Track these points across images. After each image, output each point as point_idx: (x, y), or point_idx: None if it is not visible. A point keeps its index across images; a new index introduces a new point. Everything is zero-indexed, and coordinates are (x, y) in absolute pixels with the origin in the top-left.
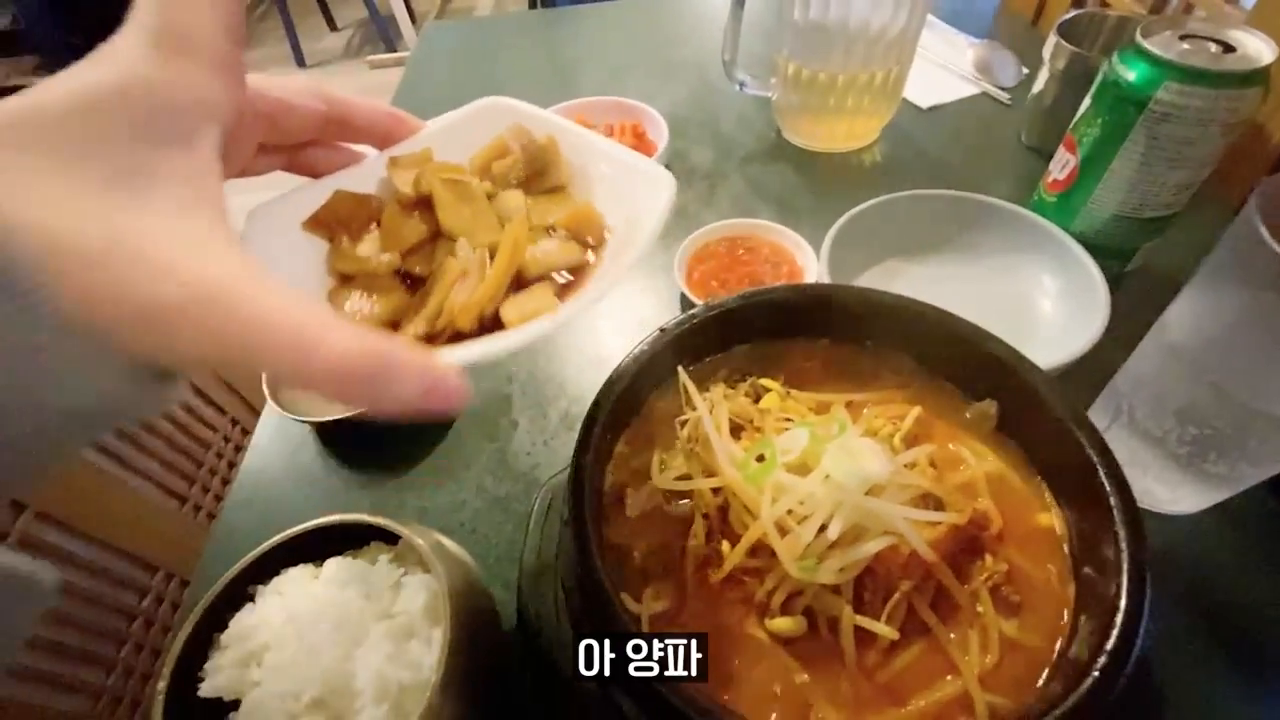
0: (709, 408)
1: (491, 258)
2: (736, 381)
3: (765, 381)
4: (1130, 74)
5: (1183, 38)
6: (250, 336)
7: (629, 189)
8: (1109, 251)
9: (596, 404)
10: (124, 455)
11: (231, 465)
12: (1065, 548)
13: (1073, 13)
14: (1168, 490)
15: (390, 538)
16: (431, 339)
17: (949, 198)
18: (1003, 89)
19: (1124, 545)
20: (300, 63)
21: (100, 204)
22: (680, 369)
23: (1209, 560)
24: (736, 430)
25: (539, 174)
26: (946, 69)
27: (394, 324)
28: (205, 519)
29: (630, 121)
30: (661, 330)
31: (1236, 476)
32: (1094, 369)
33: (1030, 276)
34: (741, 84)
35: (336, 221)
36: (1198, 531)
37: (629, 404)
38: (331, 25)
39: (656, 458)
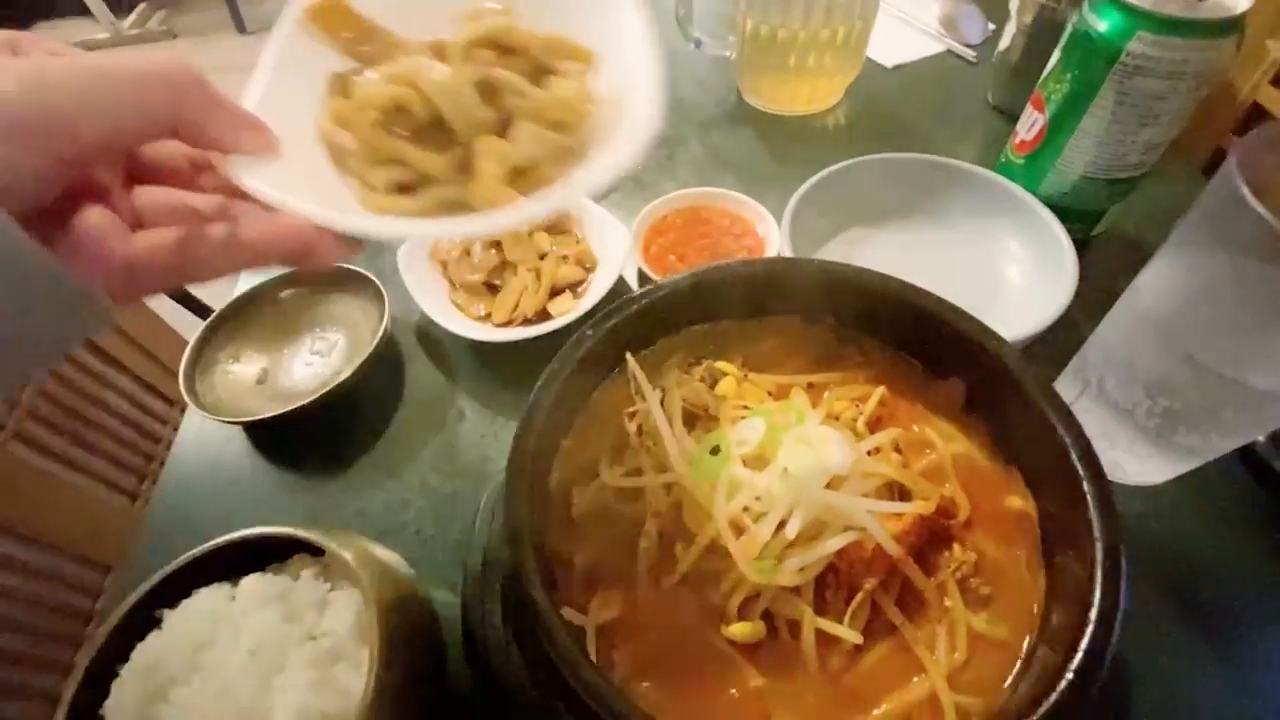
0: (661, 396)
1: (537, 278)
2: (691, 365)
3: (722, 365)
4: (1101, 24)
5: None
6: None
7: (603, 231)
8: (1076, 214)
9: (535, 397)
10: (70, 456)
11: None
12: (1036, 533)
13: None
14: (1136, 462)
15: (317, 549)
16: (508, 323)
17: (914, 161)
18: (969, 46)
19: (1098, 534)
20: (241, 28)
21: None
22: (629, 356)
23: (1179, 531)
24: (692, 419)
25: (557, 222)
26: (911, 25)
27: (486, 315)
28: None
29: None
30: (607, 314)
31: (1207, 448)
32: (1062, 337)
33: (998, 242)
34: (697, 41)
35: (446, 252)
36: (1167, 503)
37: (574, 395)
38: None
39: (606, 453)
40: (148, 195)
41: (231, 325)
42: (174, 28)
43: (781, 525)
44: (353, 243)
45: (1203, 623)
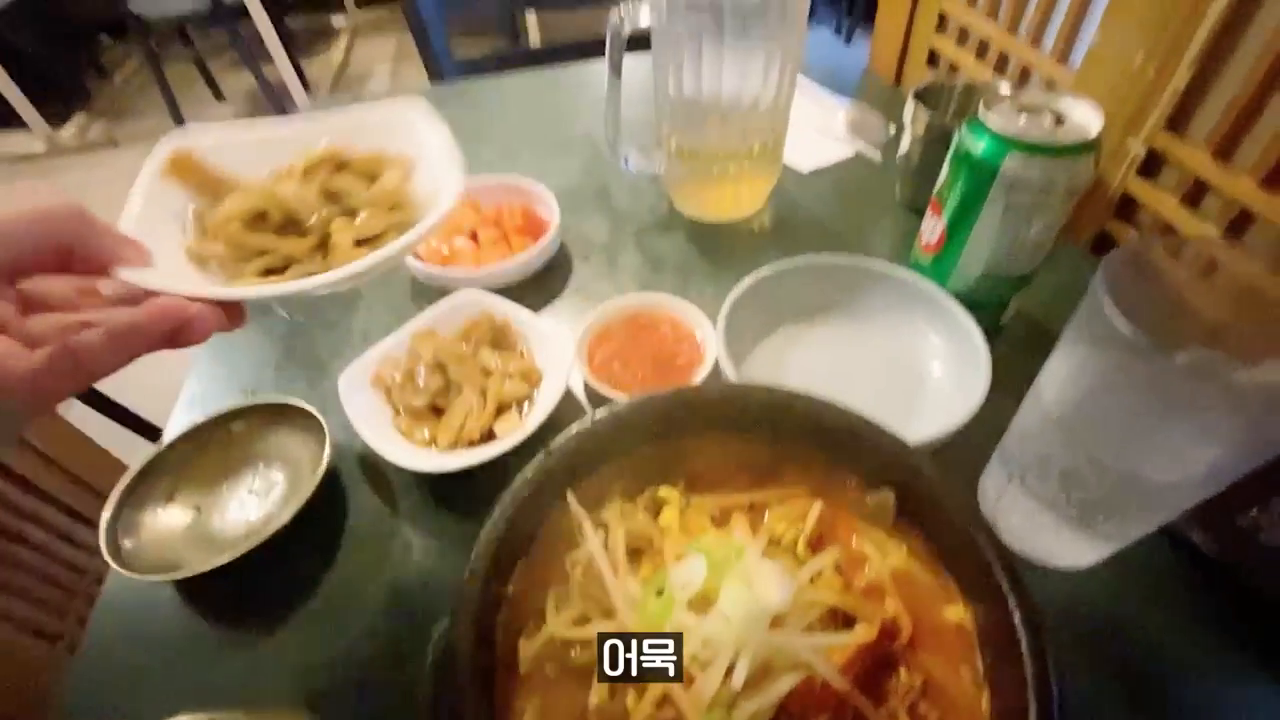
0: (604, 536)
1: (482, 398)
2: (634, 494)
3: (664, 492)
4: (978, 146)
5: (1020, 110)
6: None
7: (547, 345)
8: (984, 306)
9: (476, 553)
10: None
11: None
12: (976, 647)
13: (927, 80)
14: (1067, 549)
15: None
16: (454, 447)
17: (835, 264)
18: (874, 147)
19: (1027, 655)
20: None
21: None
22: (570, 495)
23: (1111, 611)
24: (637, 553)
25: (500, 337)
26: (822, 133)
27: (431, 440)
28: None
29: (520, 203)
30: (547, 451)
31: (1125, 534)
32: (988, 423)
33: (919, 335)
34: (626, 159)
35: (388, 377)
36: (1098, 584)
37: (518, 539)
38: (218, 95)
39: (552, 597)
40: (41, 321)
41: (171, 459)
42: (115, 136)
43: (730, 671)
44: (233, 312)
45: (1138, 698)
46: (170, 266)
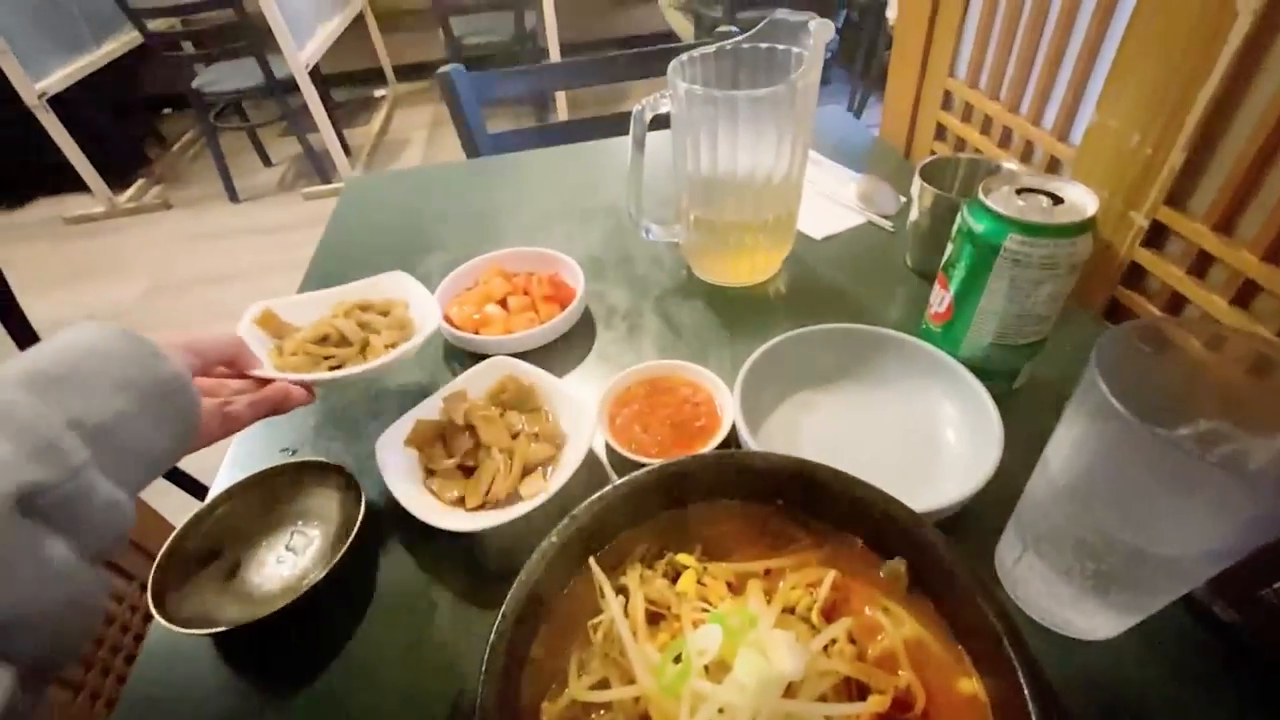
0: (624, 602)
1: (509, 459)
2: (654, 559)
3: (681, 558)
4: (980, 226)
5: (1019, 191)
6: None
7: (571, 408)
8: (995, 374)
9: (504, 615)
10: None
11: (139, 638)
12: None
13: (931, 157)
14: (1084, 619)
15: None
16: (482, 506)
17: (846, 331)
18: (885, 217)
19: None
20: (234, 197)
21: None
22: (593, 561)
23: (1130, 683)
24: (656, 619)
25: (526, 399)
26: (834, 201)
27: (460, 499)
28: (104, 708)
29: (548, 272)
30: (571, 517)
31: (1141, 605)
32: (1002, 490)
33: (933, 402)
34: (647, 230)
35: (422, 438)
36: (1116, 656)
37: (543, 602)
38: (266, 161)
39: (574, 661)
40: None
41: (215, 516)
42: (170, 199)
43: None
44: (309, 392)
45: None
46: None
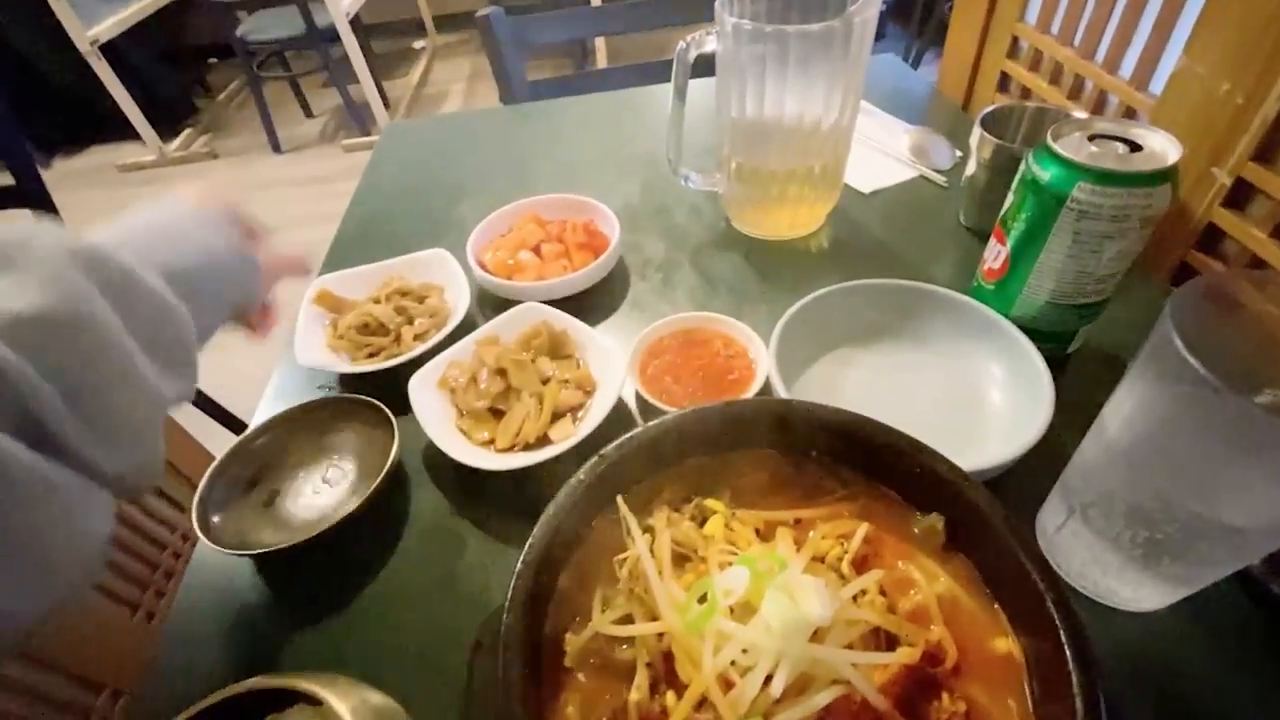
0: (650, 541)
1: (539, 403)
2: (681, 503)
3: (709, 503)
4: (1045, 174)
5: (1092, 138)
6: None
7: (602, 356)
8: (1049, 336)
9: (532, 543)
10: None
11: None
12: (1024, 679)
13: (994, 105)
14: (1130, 589)
15: (316, 699)
16: (512, 448)
17: (892, 287)
18: (939, 172)
19: (1077, 694)
20: (276, 148)
21: None
22: (620, 500)
23: (1176, 659)
24: (681, 560)
25: (558, 346)
26: (885, 154)
27: (490, 441)
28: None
29: (583, 219)
30: (600, 456)
31: (1194, 577)
32: (1048, 455)
33: (979, 364)
34: (687, 179)
35: (454, 380)
36: (1163, 629)
37: (570, 535)
38: (308, 113)
39: (599, 596)
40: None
41: (255, 446)
42: (216, 149)
43: (769, 679)
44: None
45: None
46: (318, 353)
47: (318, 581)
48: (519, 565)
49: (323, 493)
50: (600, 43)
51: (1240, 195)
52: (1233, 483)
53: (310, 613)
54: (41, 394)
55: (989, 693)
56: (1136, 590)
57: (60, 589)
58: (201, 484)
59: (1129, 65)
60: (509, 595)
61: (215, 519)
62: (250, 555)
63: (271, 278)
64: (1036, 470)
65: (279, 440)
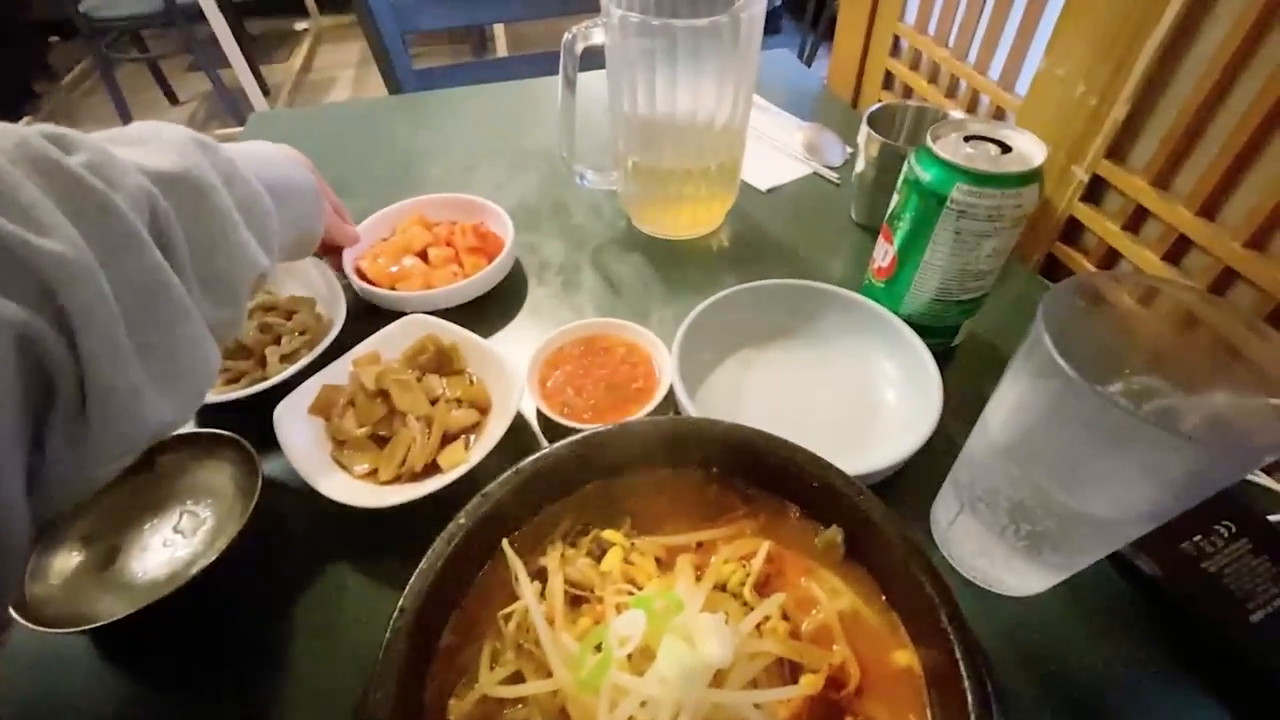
0: (540, 587)
1: (427, 427)
2: (578, 535)
3: (607, 534)
4: (927, 175)
5: (967, 139)
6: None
7: (498, 371)
8: (936, 330)
9: (401, 610)
10: None
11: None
12: (924, 693)
13: (879, 104)
14: (1015, 577)
15: None
16: (397, 479)
17: (789, 287)
18: (831, 169)
19: (971, 700)
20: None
21: None
22: (506, 545)
23: (1058, 637)
24: (578, 602)
25: (447, 362)
26: (780, 151)
27: (373, 472)
28: None
29: (473, 221)
30: (483, 495)
31: (1072, 563)
32: (940, 449)
33: (874, 361)
34: (582, 177)
35: (328, 405)
36: (1045, 611)
37: (450, 588)
38: (172, 100)
39: (486, 652)
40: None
41: (93, 498)
42: None
43: None
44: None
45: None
46: None
47: (172, 655)
48: (387, 634)
49: (175, 544)
50: (500, 30)
51: (1096, 191)
52: (1102, 477)
53: (163, 695)
54: (179, 237)
55: (891, 710)
56: (1021, 578)
57: (195, 405)
58: None
59: (997, 67)
60: (375, 667)
61: (37, 590)
62: (80, 632)
63: (333, 223)
64: (932, 464)
65: (118, 488)
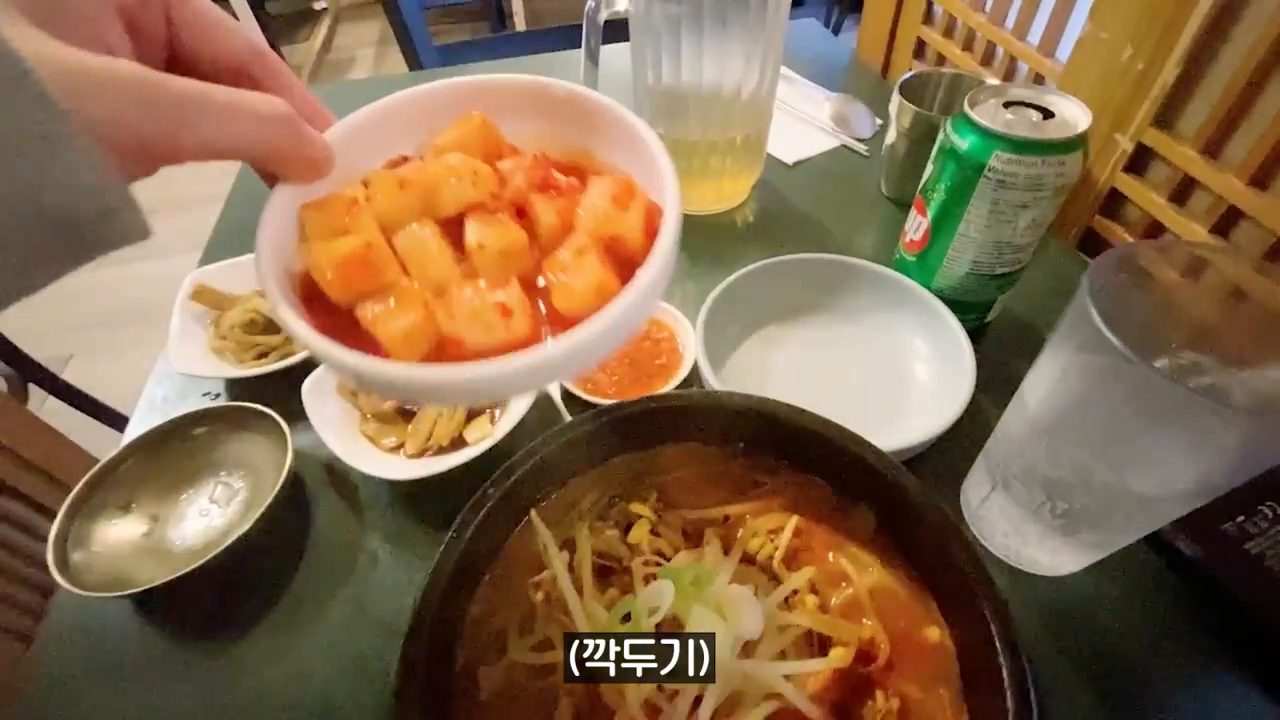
0: (569, 557)
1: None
2: (605, 507)
3: (634, 507)
4: (964, 143)
5: (1006, 105)
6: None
7: None
8: (969, 306)
9: (434, 568)
10: None
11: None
12: (955, 668)
13: (911, 71)
14: (1049, 557)
15: None
16: (424, 453)
17: (817, 262)
18: (860, 140)
19: (1007, 678)
20: None
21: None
22: (535, 515)
23: (1094, 619)
24: (605, 573)
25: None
26: (807, 122)
27: (399, 445)
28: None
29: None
30: (509, 468)
31: (1109, 542)
32: (971, 426)
33: (903, 337)
34: None
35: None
36: (1081, 592)
37: (480, 558)
38: None
39: (516, 621)
40: None
41: (128, 466)
42: None
43: (698, 702)
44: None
45: (1120, 706)
46: (199, 358)
47: (207, 619)
48: (417, 602)
49: (210, 514)
50: (518, 4)
51: (1141, 161)
52: (1146, 452)
53: (200, 655)
54: None
55: (921, 685)
56: (1054, 557)
57: None
58: (57, 520)
59: (1037, 32)
60: (406, 636)
61: (78, 556)
62: (123, 596)
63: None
64: (963, 441)
65: (155, 459)
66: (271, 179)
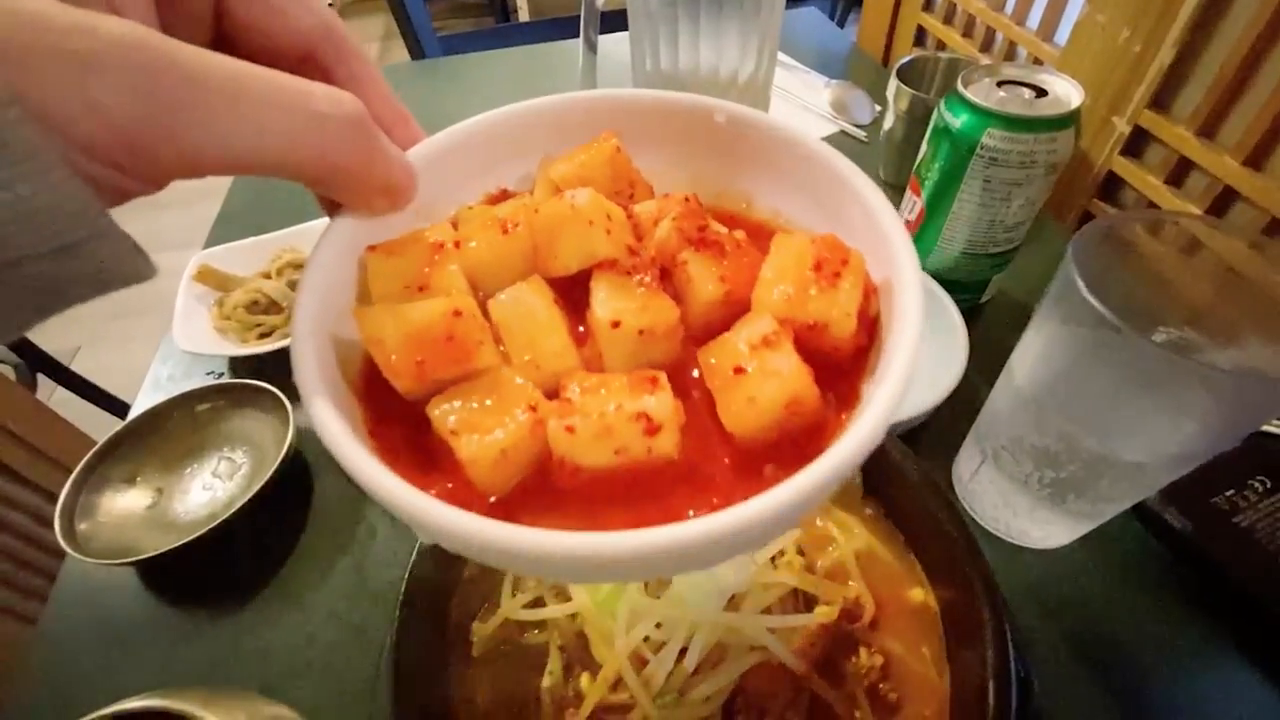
0: None
1: None
2: None
3: None
4: (957, 121)
5: (1000, 84)
6: (200, 89)
7: None
8: (964, 286)
9: (420, 552)
10: None
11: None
12: (939, 627)
13: (909, 57)
14: (1039, 528)
15: None
16: None
17: None
18: (859, 126)
19: (989, 637)
20: None
21: None
22: None
23: (1083, 590)
24: None
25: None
26: (805, 109)
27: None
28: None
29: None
30: None
31: (1097, 512)
32: (964, 402)
33: None
34: None
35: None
36: (1071, 564)
37: None
38: None
39: (508, 580)
40: None
41: (133, 441)
42: None
43: (683, 653)
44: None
45: (1108, 677)
46: (203, 337)
47: (210, 586)
48: (414, 556)
49: (214, 488)
50: None
51: (1137, 143)
52: (1131, 419)
53: (203, 621)
54: None
55: (905, 643)
56: (1044, 528)
57: None
58: (64, 492)
59: (1036, 16)
60: (402, 596)
61: (84, 526)
62: (127, 564)
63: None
64: (955, 419)
65: (160, 434)
66: (333, 206)
